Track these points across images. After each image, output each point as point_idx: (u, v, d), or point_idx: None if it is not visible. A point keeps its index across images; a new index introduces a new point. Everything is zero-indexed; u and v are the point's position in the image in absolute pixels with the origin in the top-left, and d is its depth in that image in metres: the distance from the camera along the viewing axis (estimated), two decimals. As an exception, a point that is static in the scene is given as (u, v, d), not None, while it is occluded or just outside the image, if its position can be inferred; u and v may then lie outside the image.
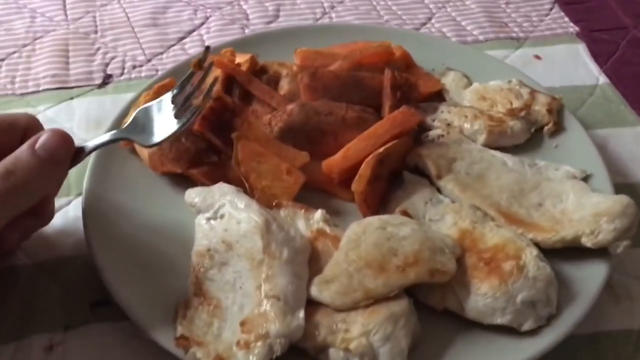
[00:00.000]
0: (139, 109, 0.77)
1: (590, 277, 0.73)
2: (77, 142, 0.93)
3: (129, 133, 0.75)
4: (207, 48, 0.82)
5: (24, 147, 0.65)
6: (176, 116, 0.76)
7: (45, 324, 0.73)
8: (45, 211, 0.73)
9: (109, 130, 0.88)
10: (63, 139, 0.67)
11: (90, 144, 0.72)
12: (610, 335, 0.74)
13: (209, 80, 0.83)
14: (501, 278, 0.69)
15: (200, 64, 0.81)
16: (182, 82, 0.79)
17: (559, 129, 0.91)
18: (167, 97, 0.78)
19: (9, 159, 0.64)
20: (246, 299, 0.68)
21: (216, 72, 0.94)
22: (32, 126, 0.71)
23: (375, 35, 1.03)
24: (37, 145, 0.65)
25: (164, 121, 0.76)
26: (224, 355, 0.64)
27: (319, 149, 0.86)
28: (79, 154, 0.70)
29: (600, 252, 0.74)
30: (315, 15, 1.21)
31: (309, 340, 0.65)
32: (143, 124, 0.75)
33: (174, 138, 0.77)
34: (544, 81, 1.02)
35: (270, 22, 1.19)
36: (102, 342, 0.72)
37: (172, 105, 0.77)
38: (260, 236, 0.72)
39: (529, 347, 0.67)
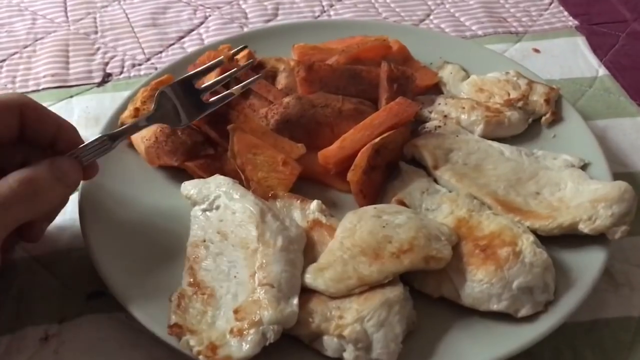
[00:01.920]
0: (158, 93, 0.78)
1: (589, 263, 0.73)
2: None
3: (161, 119, 0.78)
4: (245, 47, 0.92)
5: (46, 161, 0.67)
6: (205, 99, 0.80)
7: (41, 316, 0.73)
8: (35, 231, 0.72)
9: (107, 127, 0.89)
10: (77, 168, 0.70)
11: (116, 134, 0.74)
12: (609, 323, 0.73)
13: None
14: (497, 264, 0.68)
15: (233, 57, 0.89)
16: (209, 67, 0.82)
17: (557, 119, 0.91)
18: (186, 82, 0.80)
19: (30, 169, 0.66)
20: (240, 288, 0.68)
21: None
22: (26, 104, 0.71)
23: (373, 31, 1.03)
24: (55, 165, 0.68)
25: (190, 104, 0.79)
26: (217, 343, 0.63)
27: (316, 141, 0.86)
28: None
29: (598, 239, 0.73)
30: (314, 13, 1.21)
31: (303, 327, 0.65)
32: (168, 109, 0.78)
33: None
34: (543, 74, 1.02)
35: (269, 21, 1.19)
36: (97, 333, 0.72)
37: (196, 90, 0.80)
38: (255, 225, 0.72)
39: (526, 334, 0.67)
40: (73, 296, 0.75)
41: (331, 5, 1.23)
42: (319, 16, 1.20)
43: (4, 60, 1.10)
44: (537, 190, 0.80)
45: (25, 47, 1.13)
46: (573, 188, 0.79)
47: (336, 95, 0.89)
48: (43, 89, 1.05)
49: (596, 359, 0.70)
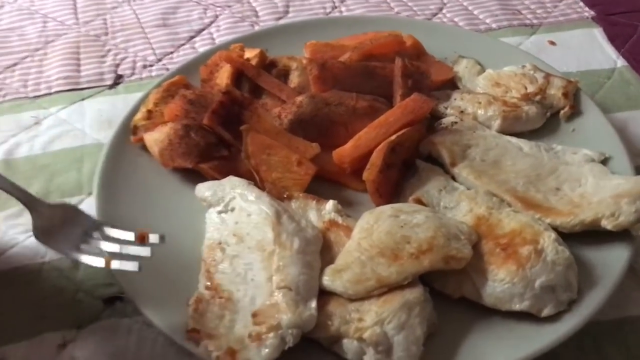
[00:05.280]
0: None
1: (613, 261, 0.71)
2: (90, 141, 0.94)
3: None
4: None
5: None
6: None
7: (59, 322, 0.73)
8: None
9: (120, 130, 0.88)
10: None
11: None
12: (636, 321, 0.71)
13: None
14: (519, 263, 0.67)
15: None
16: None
17: (575, 112, 0.89)
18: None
19: None
20: (258, 291, 0.67)
21: (225, 68, 0.94)
22: None
23: (386, 26, 1.02)
24: None
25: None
26: (236, 348, 0.62)
27: (330, 139, 0.85)
28: None
29: (622, 235, 0.72)
30: (325, 9, 1.20)
31: (322, 330, 0.64)
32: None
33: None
34: (559, 67, 1.00)
35: (279, 19, 1.18)
36: (113, 338, 0.71)
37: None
38: (271, 227, 0.71)
39: (549, 334, 0.65)
40: (90, 301, 0.75)
41: (342, 1, 1.21)
42: (330, 12, 1.19)
43: (16, 64, 1.09)
44: (558, 186, 0.78)
45: (37, 50, 1.12)
46: (594, 183, 0.77)
47: (350, 92, 0.88)
48: (55, 92, 1.04)
49: (622, 359, 0.68)
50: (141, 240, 0.68)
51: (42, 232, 0.67)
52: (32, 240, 0.80)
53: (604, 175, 0.78)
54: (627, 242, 0.72)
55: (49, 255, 0.79)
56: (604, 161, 0.82)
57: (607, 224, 0.71)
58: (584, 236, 0.73)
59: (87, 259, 0.66)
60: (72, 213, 0.70)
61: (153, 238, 0.68)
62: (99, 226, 0.69)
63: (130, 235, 0.68)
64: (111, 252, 0.67)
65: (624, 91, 1.00)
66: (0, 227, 0.83)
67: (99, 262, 0.66)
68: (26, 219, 0.83)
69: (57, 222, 0.68)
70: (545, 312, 0.66)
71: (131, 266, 0.65)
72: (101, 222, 0.70)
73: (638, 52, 1.07)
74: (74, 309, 0.74)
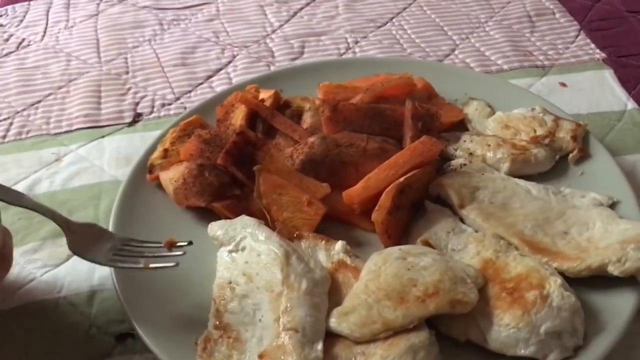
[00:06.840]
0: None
1: (620, 306, 0.71)
2: (108, 178, 0.97)
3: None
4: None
5: None
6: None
7: (71, 356, 0.74)
8: None
9: (138, 168, 0.90)
10: None
11: None
12: (644, 368, 0.71)
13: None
14: (524, 308, 0.68)
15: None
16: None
17: (584, 155, 0.90)
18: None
19: None
20: (265, 332, 0.68)
21: (240, 108, 0.97)
22: None
23: (397, 68, 1.04)
24: None
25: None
26: (243, 388, 0.63)
27: (341, 180, 0.86)
28: None
29: (629, 281, 0.72)
30: (340, 50, 1.23)
31: (328, 372, 0.65)
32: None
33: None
34: (570, 108, 1.01)
35: (295, 59, 1.21)
36: (125, 375, 0.73)
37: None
38: (279, 268, 0.72)
39: (555, 380, 0.65)
40: (102, 337, 0.76)
41: (356, 42, 1.24)
42: (344, 53, 1.22)
43: (39, 102, 1.13)
44: (565, 229, 0.79)
45: (60, 88, 1.16)
46: (602, 228, 0.78)
47: (361, 134, 0.90)
48: (76, 129, 1.07)
49: (629, 406, 0.68)
50: (169, 246, 0.75)
51: (76, 246, 0.73)
52: (49, 276, 0.83)
53: (611, 219, 0.78)
54: (634, 287, 0.72)
55: (65, 290, 0.81)
56: (613, 205, 0.82)
57: (613, 270, 0.71)
58: (590, 281, 0.73)
59: (125, 265, 0.73)
60: (100, 231, 0.77)
61: (181, 243, 0.75)
62: (126, 241, 0.76)
63: (158, 244, 0.75)
64: (147, 257, 0.74)
65: (634, 133, 1.01)
66: (19, 262, 0.85)
67: (138, 265, 0.73)
68: (43, 254, 0.86)
69: (89, 238, 0.75)
70: (551, 357, 0.66)
71: (170, 262, 0.72)
72: (128, 238, 0.77)
73: (649, 95, 1.08)
74: (86, 344, 0.76)
